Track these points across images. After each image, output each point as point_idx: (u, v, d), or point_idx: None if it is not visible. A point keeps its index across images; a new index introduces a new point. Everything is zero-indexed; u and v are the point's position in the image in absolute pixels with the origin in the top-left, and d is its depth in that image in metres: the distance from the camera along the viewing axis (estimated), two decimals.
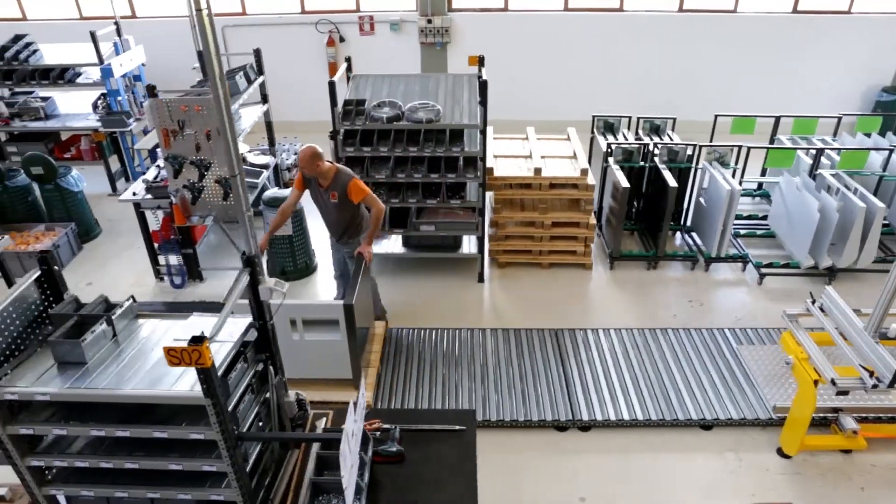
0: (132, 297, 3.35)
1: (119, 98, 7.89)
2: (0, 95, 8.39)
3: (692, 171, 6.80)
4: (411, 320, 5.86)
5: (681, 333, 5.65)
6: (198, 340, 2.50)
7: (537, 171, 6.15)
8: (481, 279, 6.40)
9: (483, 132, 5.54)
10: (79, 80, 8.18)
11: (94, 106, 8.17)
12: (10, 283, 5.43)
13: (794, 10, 9.13)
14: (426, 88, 6.22)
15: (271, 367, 3.30)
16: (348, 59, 6.26)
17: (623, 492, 4.33)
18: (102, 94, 8.10)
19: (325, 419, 3.61)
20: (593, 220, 6.36)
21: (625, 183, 6.23)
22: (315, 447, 3.37)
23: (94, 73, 8.09)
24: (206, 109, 5.61)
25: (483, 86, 5.37)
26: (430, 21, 9.03)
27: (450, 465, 3.32)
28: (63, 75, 8.03)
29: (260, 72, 6.88)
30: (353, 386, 4.84)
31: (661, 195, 6.47)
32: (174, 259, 6.41)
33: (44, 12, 9.65)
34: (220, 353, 2.83)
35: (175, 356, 2.51)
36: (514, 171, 6.30)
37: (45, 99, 8.23)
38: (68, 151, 8.46)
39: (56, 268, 3.24)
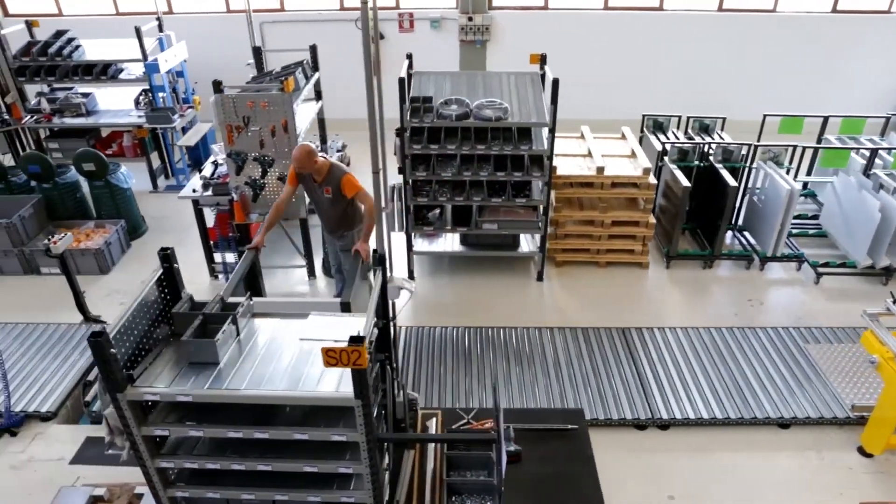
0: (249, 294, 3.32)
1: (163, 94, 7.82)
2: (41, 91, 8.28)
3: (745, 170, 6.80)
4: (474, 319, 5.84)
5: (746, 332, 5.66)
6: (357, 341, 2.48)
7: (600, 170, 6.14)
8: (541, 278, 6.38)
9: (553, 130, 5.52)
10: (121, 76, 8.09)
11: (136, 102, 8.10)
12: (71, 281, 5.38)
13: (834, 10, 9.14)
14: (489, 86, 6.19)
15: (389, 367, 3.28)
16: (409, 56, 6.22)
17: (711, 490, 4.32)
18: (144, 91, 8.03)
19: (434, 419, 3.59)
20: (653, 220, 6.35)
21: (685, 182, 6.23)
22: (432, 447, 3.35)
23: (136, 69, 8.01)
24: (272, 105, 5.59)
25: (555, 84, 5.35)
26: (470, 19, 8.99)
27: (568, 463, 3.31)
28: (106, 71, 7.93)
29: (315, 68, 6.83)
30: None
31: (716, 194, 6.46)
32: (231, 257, 6.37)
33: (79, 8, 9.54)
34: None
35: (333, 357, 2.48)
36: (575, 169, 6.28)
37: (85, 95, 8.14)
38: (109, 148, 8.39)
39: (176, 266, 3.21)
